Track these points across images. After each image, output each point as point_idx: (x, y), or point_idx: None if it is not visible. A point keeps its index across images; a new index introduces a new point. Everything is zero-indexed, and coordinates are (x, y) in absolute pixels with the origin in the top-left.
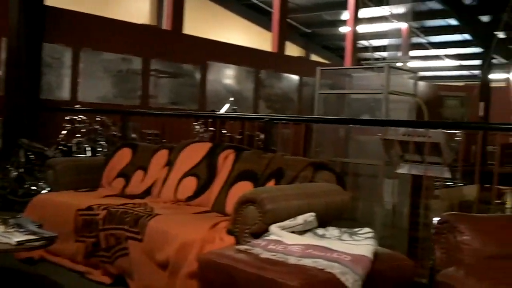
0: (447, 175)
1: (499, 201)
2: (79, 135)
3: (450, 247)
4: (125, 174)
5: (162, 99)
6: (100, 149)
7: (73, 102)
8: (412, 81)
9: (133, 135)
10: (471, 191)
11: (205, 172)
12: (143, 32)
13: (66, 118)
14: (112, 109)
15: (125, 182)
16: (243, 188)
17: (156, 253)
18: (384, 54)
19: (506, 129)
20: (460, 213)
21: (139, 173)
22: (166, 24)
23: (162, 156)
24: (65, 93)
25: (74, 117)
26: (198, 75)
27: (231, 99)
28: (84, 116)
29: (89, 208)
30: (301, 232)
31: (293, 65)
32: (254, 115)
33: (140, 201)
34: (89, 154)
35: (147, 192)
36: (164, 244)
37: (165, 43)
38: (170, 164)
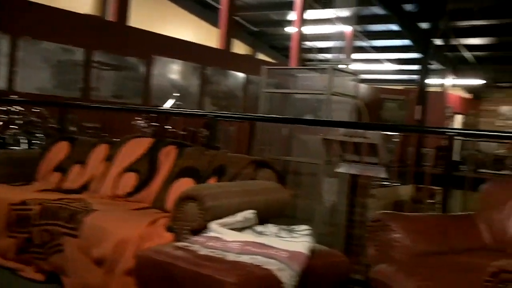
0: (383, 175)
1: (431, 201)
2: (15, 126)
3: (383, 245)
4: (62, 168)
5: (104, 92)
6: (37, 141)
7: (9, 92)
8: (354, 83)
9: (72, 128)
10: (406, 190)
11: (146, 168)
12: (86, 23)
13: (0, 108)
14: (51, 100)
15: (62, 177)
16: (185, 184)
17: (92, 250)
18: (328, 56)
19: (439, 132)
20: (393, 211)
21: (77, 168)
22: (110, 15)
23: (101, 150)
24: (1, 83)
25: (10, 108)
26: (143, 69)
27: (176, 94)
28: (21, 107)
29: (23, 202)
30: (241, 229)
31: (239, 63)
32: (198, 112)
33: (77, 196)
34: (24, 146)
35: (84, 187)
36: (100, 241)
37: (109, 35)
38: (109, 159)
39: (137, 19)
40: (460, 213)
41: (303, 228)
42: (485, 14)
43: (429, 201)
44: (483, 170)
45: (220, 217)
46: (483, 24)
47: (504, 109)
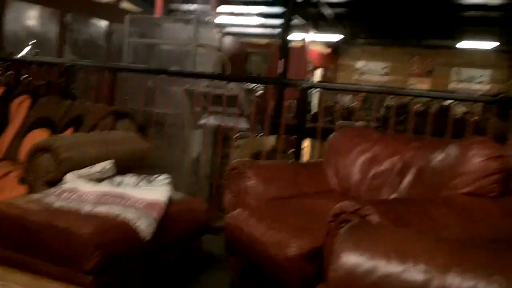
0: (245, 125)
1: (293, 150)
2: None
3: (239, 191)
4: None
5: None
6: None
7: None
8: (219, 35)
9: None
10: (269, 141)
11: None
12: None
13: None
14: None
15: None
16: (39, 136)
17: None
18: (194, 6)
19: (295, 85)
20: (248, 160)
21: None
22: None
23: None
24: None
25: None
26: None
27: (33, 41)
28: None
29: None
30: (99, 180)
31: (102, 10)
32: (55, 60)
33: None
34: None
35: None
36: None
37: None
38: None
39: None
40: (310, 160)
41: (163, 177)
42: None
43: (292, 150)
44: (340, 121)
45: (77, 168)
46: None
47: (360, 64)
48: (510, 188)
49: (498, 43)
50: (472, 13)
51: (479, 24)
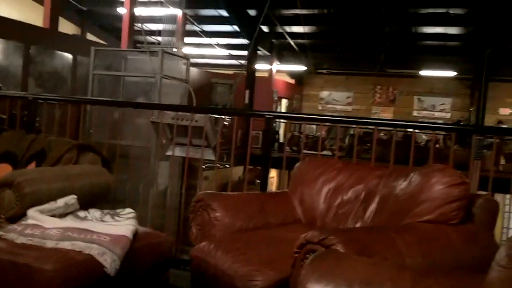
0: (212, 157)
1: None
2: None
3: (204, 224)
4: None
5: None
6: None
7: None
8: (185, 67)
9: None
10: (237, 172)
11: None
12: None
13: None
14: None
15: None
16: (2, 170)
17: None
18: (159, 38)
19: (261, 116)
20: (214, 191)
21: None
22: None
23: None
24: None
25: None
26: None
27: None
28: None
29: None
30: (62, 215)
31: (67, 43)
32: (17, 93)
33: None
34: None
35: None
36: None
37: None
38: None
39: None
40: (276, 190)
41: (128, 212)
42: (306, 3)
43: (258, 181)
44: (306, 151)
45: (40, 204)
46: (305, 13)
47: (324, 94)
48: (471, 214)
49: (456, 72)
50: (431, 42)
51: (439, 53)
